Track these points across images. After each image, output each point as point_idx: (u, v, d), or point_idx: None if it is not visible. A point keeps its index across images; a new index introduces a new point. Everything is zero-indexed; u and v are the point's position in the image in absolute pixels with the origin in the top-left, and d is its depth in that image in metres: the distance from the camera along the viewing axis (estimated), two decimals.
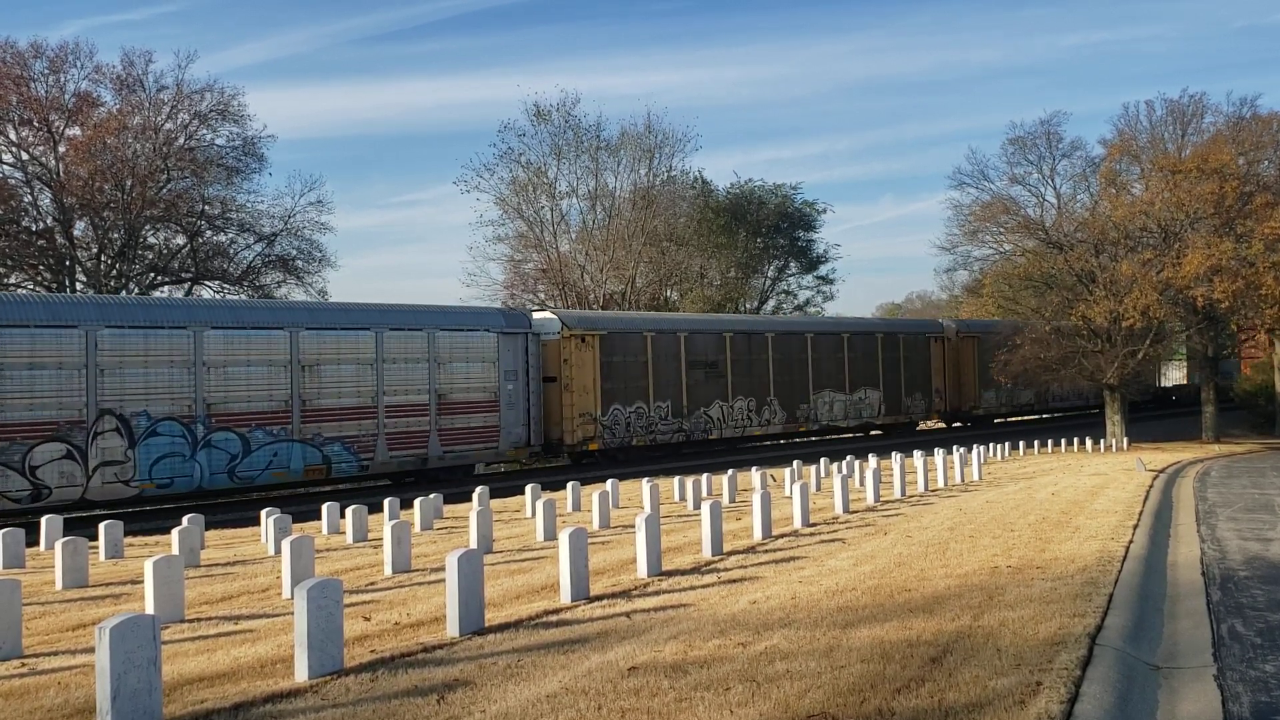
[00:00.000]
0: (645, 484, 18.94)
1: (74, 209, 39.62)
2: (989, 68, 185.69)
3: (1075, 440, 38.12)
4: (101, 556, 15.44)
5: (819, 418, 39.10)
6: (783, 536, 14.29)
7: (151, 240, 42.85)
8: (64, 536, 13.77)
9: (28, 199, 39.57)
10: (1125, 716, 6.24)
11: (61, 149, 39.80)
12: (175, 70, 42.73)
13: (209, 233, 43.85)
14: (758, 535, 14.08)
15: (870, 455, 26.94)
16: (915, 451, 27.25)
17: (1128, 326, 39.33)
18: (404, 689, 6.75)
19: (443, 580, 10.28)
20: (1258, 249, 38.23)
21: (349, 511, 16.74)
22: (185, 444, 22.81)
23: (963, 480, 23.78)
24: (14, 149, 39.31)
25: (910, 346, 43.67)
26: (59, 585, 12.60)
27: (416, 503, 18.13)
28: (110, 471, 21.76)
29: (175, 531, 14.35)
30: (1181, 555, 12.65)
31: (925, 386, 44.64)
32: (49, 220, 39.84)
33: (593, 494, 17.68)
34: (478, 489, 19.91)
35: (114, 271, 40.31)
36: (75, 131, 40.12)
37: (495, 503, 21.41)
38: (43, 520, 16.76)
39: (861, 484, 22.37)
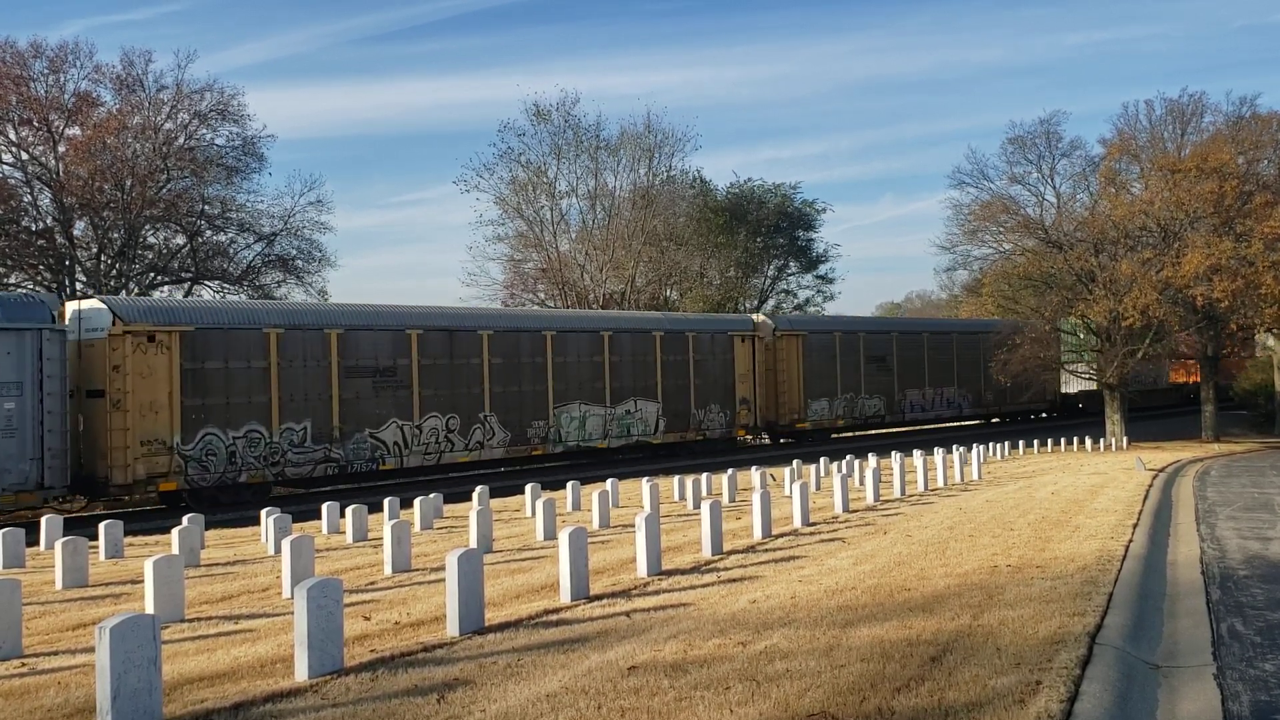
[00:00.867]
0: (645, 483, 18.96)
1: (74, 209, 39.60)
2: (989, 67, 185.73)
3: (1075, 439, 38.12)
4: (101, 556, 15.44)
5: (564, 437, 31.01)
6: (782, 536, 14.29)
7: (151, 240, 42.82)
8: (64, 536, 13.78)
9: (27, 199, 39.55)
10: (1125, 715, 6.24)
11: (61, 149, 39.77)
12: (175, 70, 42.68)
13: (209, 232, 43.81)
14: (757, 534, 14.09)
15: (870, 454, 26.93)
16: (915, 451, 27.24)
17: (1127, 326, 39.34)
18: (404, 688, 6.75)
19: (443, 580, 10.28)
20: (1257, 248, 38.22)
21: (349, 511, 16.75)
22: None
23: (962, 480, 23.79)
24: (14, 149, 39.29)
25: (705, 348, 35.59)
26: (59, 585, 12.61)
27: (416, 502, 18.13)
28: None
29: (175, 531, 14.36)
30: (1181, 554, 12.65)
31: (727, 396, 36.20)
32: (49, 220, 39.82)
33: (593, 493, 17.69)
34: (478, 488, 19.90)
35: (114, 271, 40.29)
36: (75, 131, 40.10)
37: (495, 502, 21.42)
38: (42, 520, 16.77)
39: (861, 483, 22.37)
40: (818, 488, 22.11)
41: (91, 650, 7.20)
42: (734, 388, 36.62)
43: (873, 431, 45.59)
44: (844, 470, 24.55)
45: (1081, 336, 50.39)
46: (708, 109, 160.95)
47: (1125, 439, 40.50)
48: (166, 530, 17.54)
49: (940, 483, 22.56)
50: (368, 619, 9.46)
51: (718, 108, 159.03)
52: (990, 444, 33.53)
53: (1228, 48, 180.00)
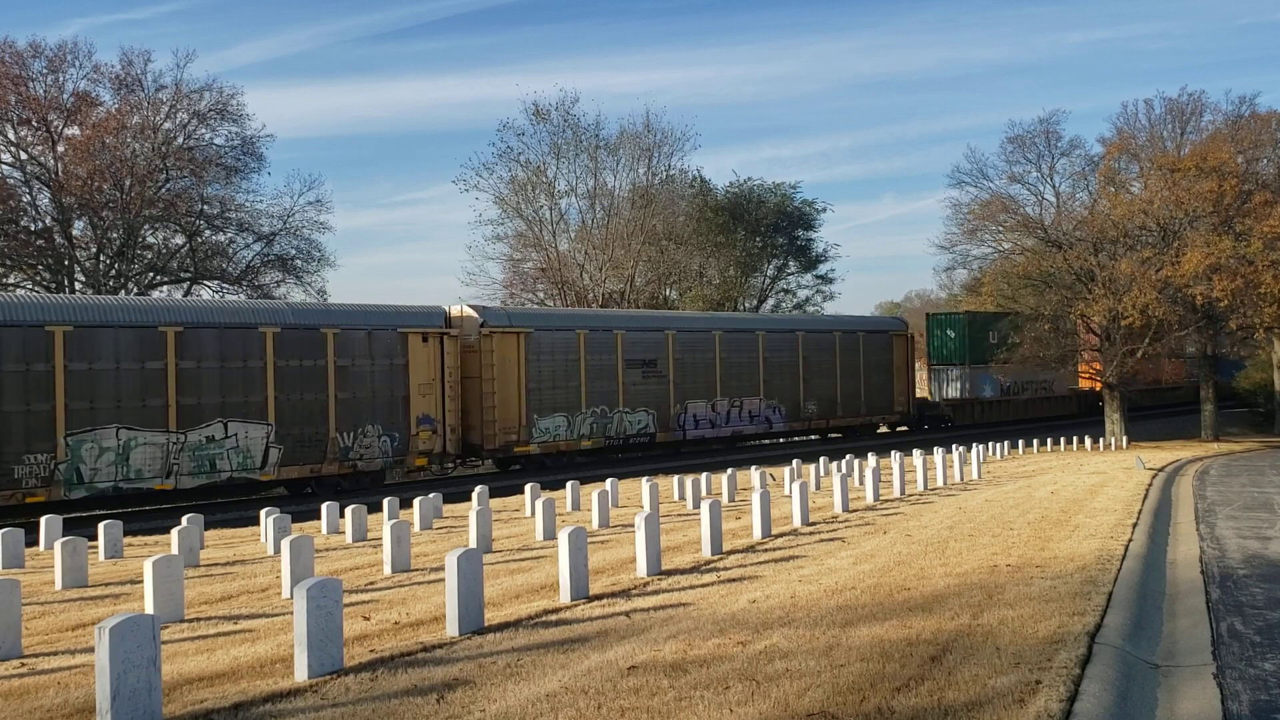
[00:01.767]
0: (645, 483, 18.96)
1: (73, 209, 39.61)
2: (991, 65, 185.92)
3: (1075, 439, 38.14)
4: (101, 556, 15.43)
5: (85, 477, 22.07)
6: (782, 535, 14.29)
7: (150, 240, 42.85)
8: (63, 536, 13.77)
9: (26, 199, 39.56)
10: (1125, 715, 6.24)
11: (60, 149, 39.78)
12: (174, 70, 42.82)
13: (208, 232, 43.84)
14: (757, 534, 14.08)
15: (870, 454, 26.93)
16: (915, 450, 27.24)
17: (1126, 325, 39.36)
18: (404, 688, 6.75)
19: (442, 580, 10.28)
20: (1256, 247, 38.25)
21: (348, 511, 16.75)
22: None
23: (962, 479, 23.78)
24: (13, 149, 39.30)
25: (358, 349, 26.66)
26: (58, 585, 12.60)
27: (416, 502, 18.13)
28: None
29: (175, 531, 14.36)
30: (1181, 554, 12.65)
31: (396, 413, 27.34)
32: (48, 220, 39.83)
33: (592, 493, 17.69)
34: (477, 488, 19.91)
35: (113, 271, 40.29)
36: (74, 131, 40.11)
37: (495, 502, 21.42)
38: (42, 520, 16.77)
39: (861, 483, 22.38)
40: (817, 487, 22.11)
41: (91, 650, 7.20)
42: (408, 401, 27.61)
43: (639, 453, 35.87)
44: (844, 470, 24.57)
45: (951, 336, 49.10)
46: (708, 108, 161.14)
47: (1125, 438, 40.53)
48: (166, 530, 17.54)
49: (940, 482, 22.57)
50: (367, 619, 9.46)
51: (719, 106, 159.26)
52: (990, 444, 33.55)
53: (1228, 46, 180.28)
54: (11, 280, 39.28)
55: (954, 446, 27.45)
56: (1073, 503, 17.09)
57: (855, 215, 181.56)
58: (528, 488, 20.65)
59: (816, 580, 10.38)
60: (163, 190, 40.94)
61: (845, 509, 17.21)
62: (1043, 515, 15.31)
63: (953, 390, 49.80)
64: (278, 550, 14.75)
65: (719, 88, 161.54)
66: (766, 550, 12.93)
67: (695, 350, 36.08)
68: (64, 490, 21.95)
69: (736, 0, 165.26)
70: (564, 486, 21.37)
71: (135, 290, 40.19)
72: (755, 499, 14.41)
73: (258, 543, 16.86)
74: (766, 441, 40.83)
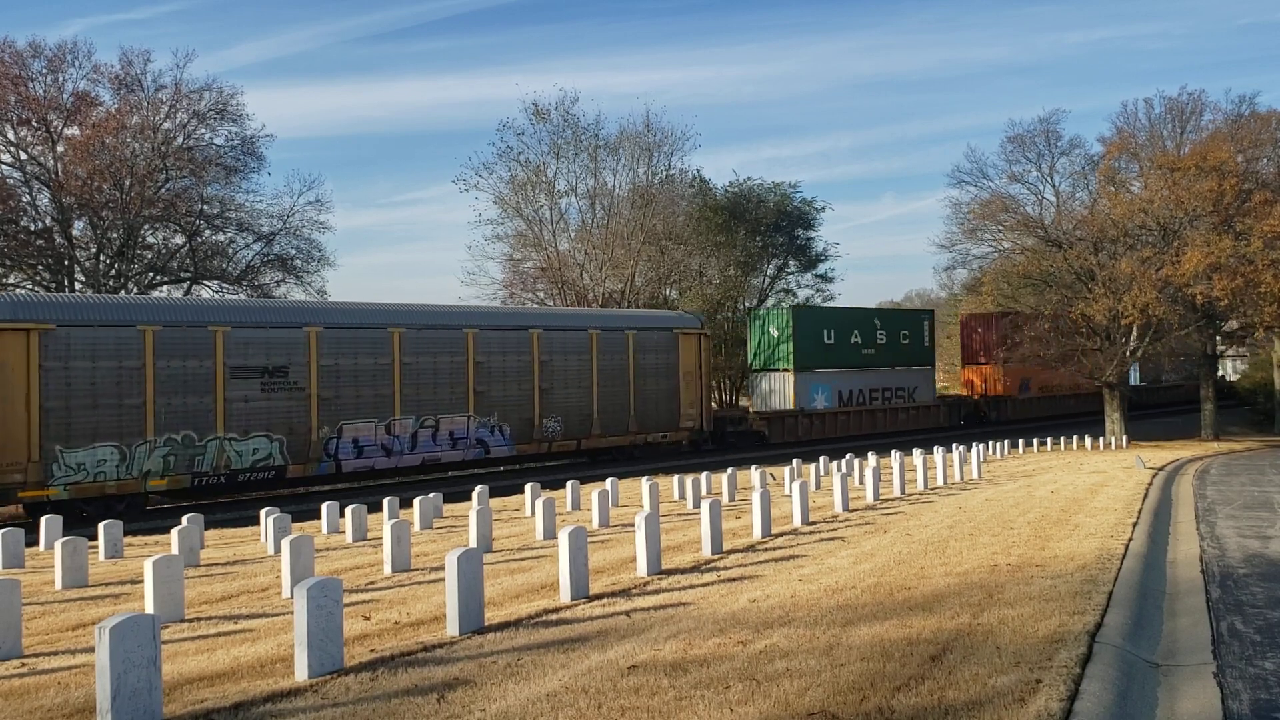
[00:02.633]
0: (645, 482, 18.96)
1: (72, 208, 39.59)
2: (991, 65, 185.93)
3: (1075, 438, 38.15)
4: (101, 556, 15.43)
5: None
6: (782, 535, 14.29)
7: (150, 240, 42.82)
8: (63, 536, 13.77)
9: (26, 199, 39.53)
10: (1125, 714, 6.24)
11: (60, 149, 39.76)
12: (174, 70, 42.74)
13: (208, 232, 43.82)
14: (757, 534, 14.08)
15: (870, 454, 26.91)
16: (915, 450, 27.23)
17: (1126, 324, 39.39)
18: (404, 688, 6.75)
19: (442, 579, 10.28)
20: (1257, 246, 38.27)
21: (348, 511, 16.75)
22: None
23: (962, 478, 23.78)
24: (12, 149, 39.29)
25: None
26: (58, 585, 12.60)
27: (416, 502, 18.13)
28: None
29: (175, 531, 14.35)
30: (1181, 553, 12.65)
31: None
32: (48, 220, 39.81)
33: (592, 493, 17.69)
34: (477, 488, 19.92)
35: (113, 271, 40.29)
36: (74, 131, 40.08)
37: (495, 502, 21.42)
38: (42, 520, 16.77)
39: (861, 482, 22.38)
40: (817, 487, 22.11)
41: (91, 650, 7.20)
42: None
43: (255, 496, 27.08)
44: (844, 470, 24.57)
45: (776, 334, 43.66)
46: (709, 107, 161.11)
47: (1125, 438, 40.54)
48: (165, 530, 17.54)
49: (940, 481, 22.57)
50: (367, 619, 9.46)
51: (719, 106, 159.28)
52: (990, 443, 33.56)
53: (1228, 46, 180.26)
54: (11, 280, 39.27)
55: (954, 445, 27.45)
56: (1073, 502, 17.09)
57: (855, 215, 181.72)
58: (528, 487, 20.65)
59: (817, 580, 10.38)
60: (162, 190, 40.93)
61: (845, 508, 17.21)
62: (1043, 514, 15.32)
63: (778, 400, 43.10)
64: (278, 550, 14.75)
65: (719, 87, 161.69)
66: (767, 550, 12.93)
67: (358, 353, 27.16)
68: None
69: (736, 0, 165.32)
70: (564, 486, 21.36)
71: (135, 290, 40.19)
72: (755, 498, 14.41)
73: (258, 542, 16.86)
74: (483, 470, 31.66)
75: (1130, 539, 12.67)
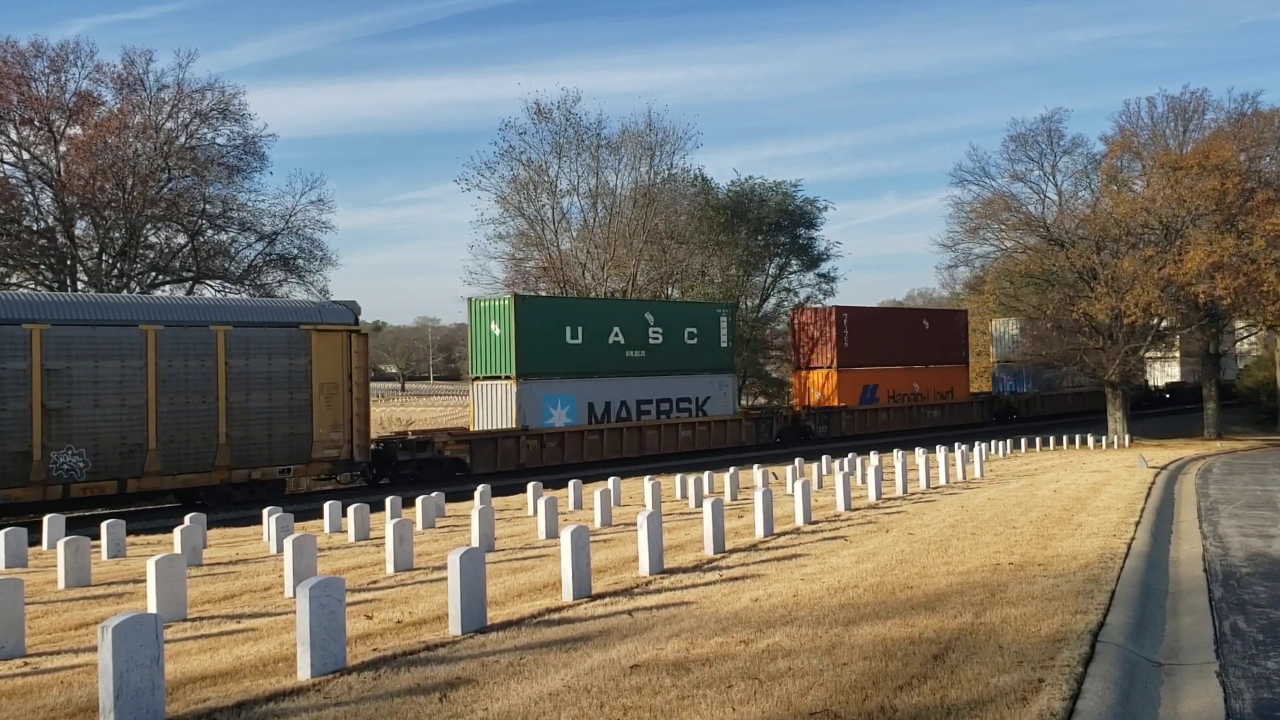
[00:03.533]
0: (647, 482, 18.96)
1: (75, 208, 39.63)
2: (993, 64, 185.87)
3: (1077, 437, 38.13)
4: (104, 555, 15.45)
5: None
6: (785, 534, 14.28)
7: (153, 239, 42.86)
8: (66, 536, 13.79)
9: (29, 198, 39.60)
10: (1128, 713, 6.23)
11: (62, 148, 39.80)
12: (176, 69, 42.80)
13: (210, 232, 43.86)
14: (760, 533, 14.08)
15: (872, 453, 26.91)
16: (918, 449, 27.24)
17: (1129, 323, 39.37)
18: (406, 687, 6.75)
19: (445, 579, 10.27)
20: (1259, 245, 38.25)
21: (351, 510, 16.76)
22: None
23: (964, 478, 23.77)
24: (15, 148, 39.34)
25: None
26: (61, 584, 12.61)
27: (418, 501, 18.15)
28: None
29: (177, 530, 14.36)
30: (1183, 552, 12.64)
31: None
32: (50, 220, 39.86)
33: (594, 492, 17.69)
34: (479, 487, 19.93)
35: (115, 271, 40.32)
36: (76, 131, 40.13)
37: (497, 501, 21.43)
38: (45, 520, 16.78)
39: (863, 482, 22.37)
40: (820, 486, 22.10)
41: (94, 649, 7.21)
42: None
43: None
44: (846, 469, 24.56)
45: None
46: (710, 107, 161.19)
47: (1127, 437, 40.52)
48: (168, 530, 17.56)
49: (942, 480, 22.56)
50: (370, 618, 9.46)
51: (720, 105, 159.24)
52: (993, 442, 33.56)
53: (1230, 45, 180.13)
54: (14, 280, 39.31)
55: (956, 445, 27.40)
56: (1075, 501, 17.08)
57: (857, 214, 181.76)
58: (530, 486, 20.66)
59: (819, 579, 10.37)
60: (165, 190, 40.96)
61: (848, 507, 17.20)
62: (1045, 514, 15.30)
63: (500, 418, 32.97)
64: (280, 549, 14.75)
65: (720, 87, 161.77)
66: (769, 549, 12.93)
67: None
68: None
69: (736, 0, 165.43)
70: (566, 486, 21.37)
71: (138, 290, 40.24)
72: (758, 497, 14.40)
73: (260, 542, 16.87)
74: None
75: (1133, 538, 12.66)
